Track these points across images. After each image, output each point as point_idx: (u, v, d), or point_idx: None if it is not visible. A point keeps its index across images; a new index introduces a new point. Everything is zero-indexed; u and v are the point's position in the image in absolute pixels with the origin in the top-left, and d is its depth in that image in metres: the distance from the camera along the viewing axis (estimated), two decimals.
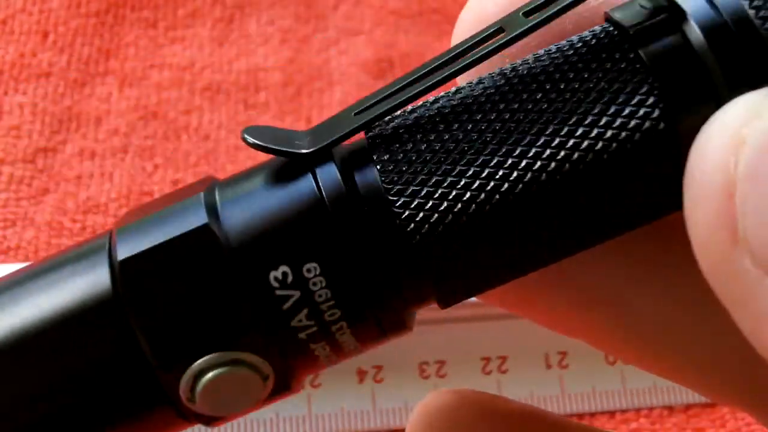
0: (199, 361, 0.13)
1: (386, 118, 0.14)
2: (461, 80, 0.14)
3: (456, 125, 0.13)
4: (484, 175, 0.13)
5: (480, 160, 0.13)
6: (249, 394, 0.13)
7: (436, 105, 0.14)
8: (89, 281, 0.13)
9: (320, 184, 0.13)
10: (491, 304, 0.17)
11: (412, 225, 0.13)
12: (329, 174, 0.13)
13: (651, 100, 0.12)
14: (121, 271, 0.13)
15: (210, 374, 0.13)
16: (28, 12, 0.40)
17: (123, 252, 0.13)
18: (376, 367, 0.30)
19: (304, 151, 0.13)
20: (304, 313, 0.13)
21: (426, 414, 0.18)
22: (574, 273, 0.16)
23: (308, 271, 0.13)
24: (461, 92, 0.14)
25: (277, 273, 0.13)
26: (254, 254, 0.13)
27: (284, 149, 0.13)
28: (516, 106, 0.13)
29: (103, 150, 0.36)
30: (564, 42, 0.14)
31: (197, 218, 0.13)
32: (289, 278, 0.13)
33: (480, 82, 0.14)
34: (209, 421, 0.14)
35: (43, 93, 0.38)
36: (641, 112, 0.12)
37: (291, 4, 0.41)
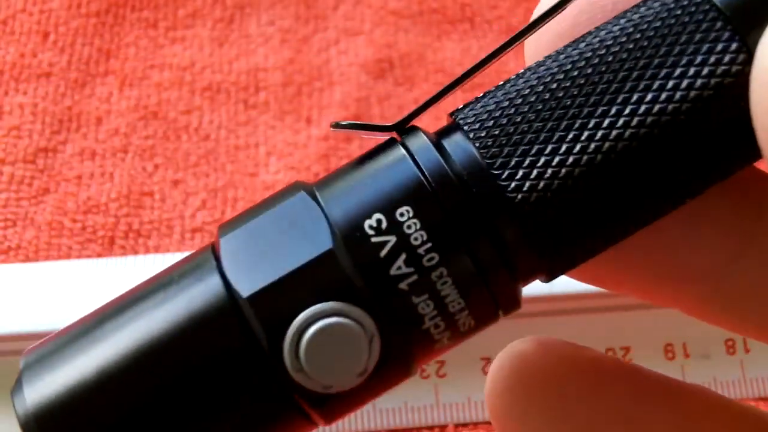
0: (302, 315, 0.13)
1: (474, 100, 0.14)
2: (538, 55, 0.15)
3: (547, 94, 0.13)
4: (584, 137, 0.13)
5: (577, 124, 0.13)
6: (355, 355, 0.13)
7: (521, 80, 0.14)
8: (204, 291, 0.13)
9: (410, 150, 0.14)
10: (587, 282, 0.17)
11: (520, 196, 0.13)
12: (420, 143, 0.14)
13: (734, 45, 0.13)
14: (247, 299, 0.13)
15: (312, 328, 0.13)
16: (28, 12, 0.40)
17: (244, 289, 0.13)
18: None
19: (386, 125, 0.14)
20: (402, 258, 0.13)
21: (508, 361, 0.17)
22: (671, 246, 0.16)
23: (401, 215, 0.13)
24: (545, 64, 0.14)
25: (372, 221, 0.13)
26: (349, 209, 0.13)
27: (368, 124, 0.14)
28: (604, 68, 0.13)
29: (103, 150, 0.36)
30: (634, 7, 0.14)
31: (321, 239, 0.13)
32: (384, 224, 0.13)
33: (561, 52, 0.14)
34: (325, 409, 0.13)
35: (43, 93, 0.38)
36: (726, 58, 0.13)
37: (291, 4, 0.41)
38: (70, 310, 0.28)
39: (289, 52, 0.40)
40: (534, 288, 0.15)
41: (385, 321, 0.13)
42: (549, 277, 0.14)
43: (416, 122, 0.15)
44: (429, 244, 0.13)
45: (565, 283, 0.16)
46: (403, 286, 0.13)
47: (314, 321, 0.13)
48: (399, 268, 0.13)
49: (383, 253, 0.13)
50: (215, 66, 0.39)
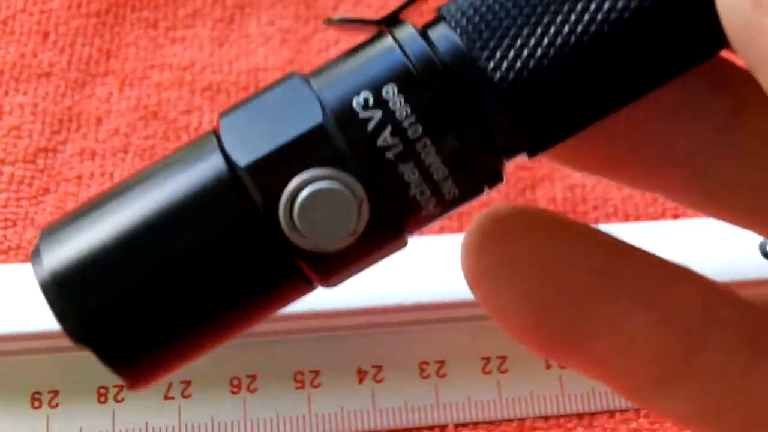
0: (296, 179, 0.14)
1: None
2: None
3: None
4: (557, 22, 0.14)
5: (551, 12, 0.14)
6: (345, 216, 0.14)
7: None
8: (206, 163, 0.15)
9: (398, 39, 0.15)
10: (578, 169, 0.18)
11: (498, 75, 0.14)
12: (407, 32, 0.15)
13: None
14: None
15: (305, 190, 0.14)
16: (28, 12, 0.40)
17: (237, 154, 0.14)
18: (375, 367, 0.30)
19: (375, 20, 0.16)
20: (388, 130, 0.14)
21: (482, 221, 0.17)
22: (651, 131, 0.17)
23: (387, 92, 0.14)
24: None
25: (359, 98, 0.14)
26: (339, 90, 0.14)
27: (359, 19, 0.16)
28: None
29: (103, 150, 0.36)
30: None
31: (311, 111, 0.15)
32: (371, 101, 0.14)
33: None
34: (321, 268, 0.15)
35: (43, 93, 0.38)
36: None
37: (291, 4, 0.41)
38: None
39: (289, 52, 0.40)
40: None
41: (373, 186, 0.14)
42: (531, 153, 0.15)
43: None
44: (413, 118, 0.14)
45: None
46: (389, 155, 0.14)
47: (306, 184, 0.14)
48: (385, 139, 0.14)
49: (370, 126, 0.14)
50: (215, 66, 0.39)
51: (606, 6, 0.14)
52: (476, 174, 0.15)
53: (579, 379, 0.31)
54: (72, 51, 0.39)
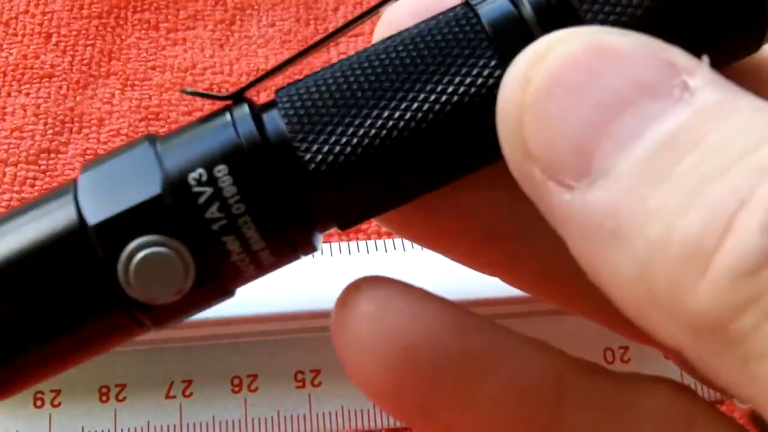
0: (133, 242, 0.16)
1: (296, 80, 0.18)
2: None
3: (344, 85, 0.17)
4: (366, 124, 0.16)
5: (362, 112, 0.16)
6: (173, 277, 0.16)
7: (330, 69, 0.17)
8: (61, 214, 0.17)
9: (234, 119, 0.17)
10: (405, 237, 0.20)
11: (312, 165, 0.17)
12: (242, 114, 0.17)
13: (493, 62, 0.16)
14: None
15: (140, 253, 0.16)
16: (31, 14, 0.40)
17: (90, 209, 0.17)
18: None
19: (223, 95, 0.18)
20: (216, 206, 0.16)
21: (345, 296, 0.19)
22: (472, 205, 0.19)
23: (218, 171, 0.16)
24: (350, 58, 0.17)
25: (195, 174, 0.16)
26: (179, 163, 0.16)
27: (209, 93, 0.18)
28: (392, 69, 0.17)
29: (105, 151, 0.37)
30: (430, 20, 0.17)
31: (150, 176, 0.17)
32: (203, 178, 0.16)
33: (366, 50, 0.17)
34: (151, 315, 0.17)
35: (45, 94, 0.38)
36: (485, 72, 0.16)
37: (291, 6, 0.42)
38: None
39: (289, 54, 0.40)
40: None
41: (199, 253, 0.16)
42: (341, 227, 0.18)
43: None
44: (238, 197, 0.16)
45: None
46: (215, 227, 0.16)
47: (141, 248, 0.16)
48: (212, 213, 0.16)
49: (201, 200, 0.16)
50: (216, 67, 0.39)
51: (409, 114, 0.16)
52: (291, 246, 0.17)
53: None
54: (74, 52, 0.39)
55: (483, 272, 0.20)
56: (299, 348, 0.30)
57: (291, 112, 0.17)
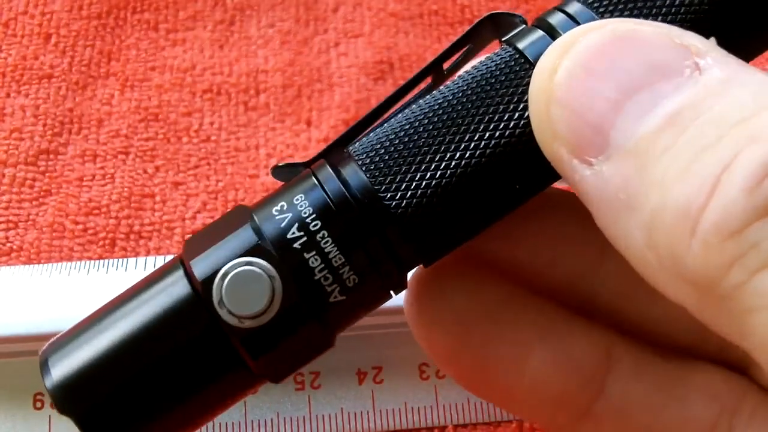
0: (227, 265, 0.18)
1: (363, 134, 0.19)
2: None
3: (413, 133, 0.18)
4: (441, 167, 0.18)
5: (436, 157, 0.18)
6: (262, 292, 0.17)
7: (397, 118, 0.19)
8: (174, 290, 0.18)
9: (321, 182, 0.18)
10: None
11: (399, 210, 0.18)
12: (328, 176, 0.19)
13: None
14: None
15: (232, 272, 0.18)
16: (30, 15, 0.40)
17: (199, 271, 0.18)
18: (375, 368, 0.31)
19: (306, 162, 0.19)
20: (318, 260, 0.18)
21: (411, 283, 0.21)
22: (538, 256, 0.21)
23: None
24: (414, 106, 0.19)
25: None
26: (279, 227, 0.18)
27: (294, 163, 0.20)
28: (457, 114, 0.18)
29: (104, 152, 0.36)
30: (481, 65, 0.19)
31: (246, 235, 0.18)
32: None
33: (426, 99, 0.19)
34: (269, 370, 0.18)
35: (45, 95, 0.38)
36: None
37: (291, 6, 0.42)
38: (72, 312, 0.28)
39: (289, 54, 0.40)
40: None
41: (288, 279, 0.18)
42: (426, 263, 0.19)
43: None
44: (337, 250, 0.18)
45: None
46: (317, 277, 0.18)
47: (232, 269, 0.18)
48: (314, 263, 0.18)
49: (305, 256, 0.18)
50: (216, 68, 0.39)
51: (473, 153, 0.18)
52: (384, 286, 0.18)
53: None
54: (73, 53, 0.39)
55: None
56: None
57: (371, 165, 0.18)
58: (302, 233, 0.18)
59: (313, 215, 0.18)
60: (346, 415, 0.30)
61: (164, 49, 0.40)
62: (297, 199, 0.18)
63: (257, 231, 0.18)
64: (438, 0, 0.42)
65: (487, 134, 0.18)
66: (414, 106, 0.19)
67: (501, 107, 0.18)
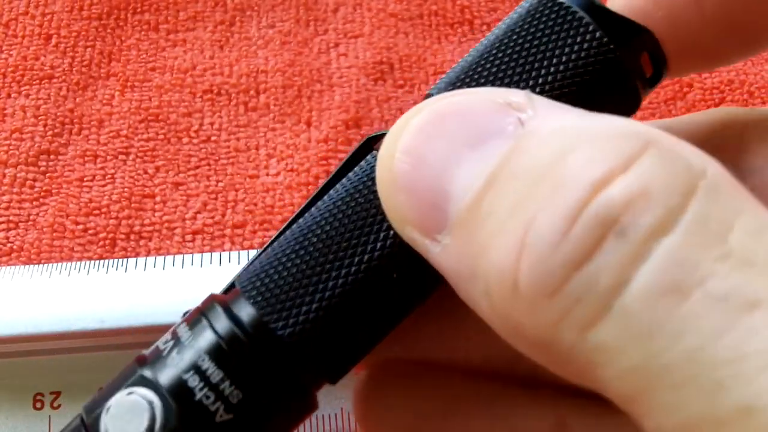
0: (111, 398, 0.19)
1: (249, 262, 0.20)
2: None
3: (293, 256, 0.19)
4: (328, 286, 0.18)
5: (319, 279, 0.18)
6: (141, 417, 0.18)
7: (280, 244, 0.19)
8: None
9: (212, 324, 0.19)
10: None
11: (290, 339, 0.18)
12: (218, 316, 0.19)
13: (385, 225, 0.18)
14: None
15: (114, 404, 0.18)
16: (30, 15, 0.40)
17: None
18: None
19: (194, 308, 0.20)
20: (211, 395, 0.18)
21: (362, 378, 0.21)
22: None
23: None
24: (293, 232, 0.19)
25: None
26: (179, 372, 0.18)
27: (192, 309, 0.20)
28: (334, 232, 0.18)
29: (105, 152, 0.37)
30: (353, 175, 0.19)
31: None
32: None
33: (299, 223, 0.19)
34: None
35: (45, 96, 0.38)
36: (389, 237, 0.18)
37: (291, 7, 0.42)
38: (72, 312, 0.28)
39: (289, 55, 0.40)
40: None
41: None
42: (331, 381, 0.19)
43: None
44: (231, 385, 0.18)
45: None
46: (217, 419, 0.18)
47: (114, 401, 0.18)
48: (207, 397, 0.18)
49: (198, 395, 0.18)
50: (216, 68, 0.39)
51: (346, 272, 0.18)
52: (291, 410, 0.19)
53: None
54: (74, 54, 0.39)
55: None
56: None
57: (254, 293, 0.19)
58: (219, 402, 0.18)
59: (230, 384, 0.18)
60: (346, 414, 0.30)
61: (164, 50, 0.40)
62: (208, 368, 0.18)
63: (141, 364, 0.19)
64: (438, 1, 0.42)
65: (366, 247, 0.18)
66: (294, 226, 0.19)
67: (369, 220, 0.18)
